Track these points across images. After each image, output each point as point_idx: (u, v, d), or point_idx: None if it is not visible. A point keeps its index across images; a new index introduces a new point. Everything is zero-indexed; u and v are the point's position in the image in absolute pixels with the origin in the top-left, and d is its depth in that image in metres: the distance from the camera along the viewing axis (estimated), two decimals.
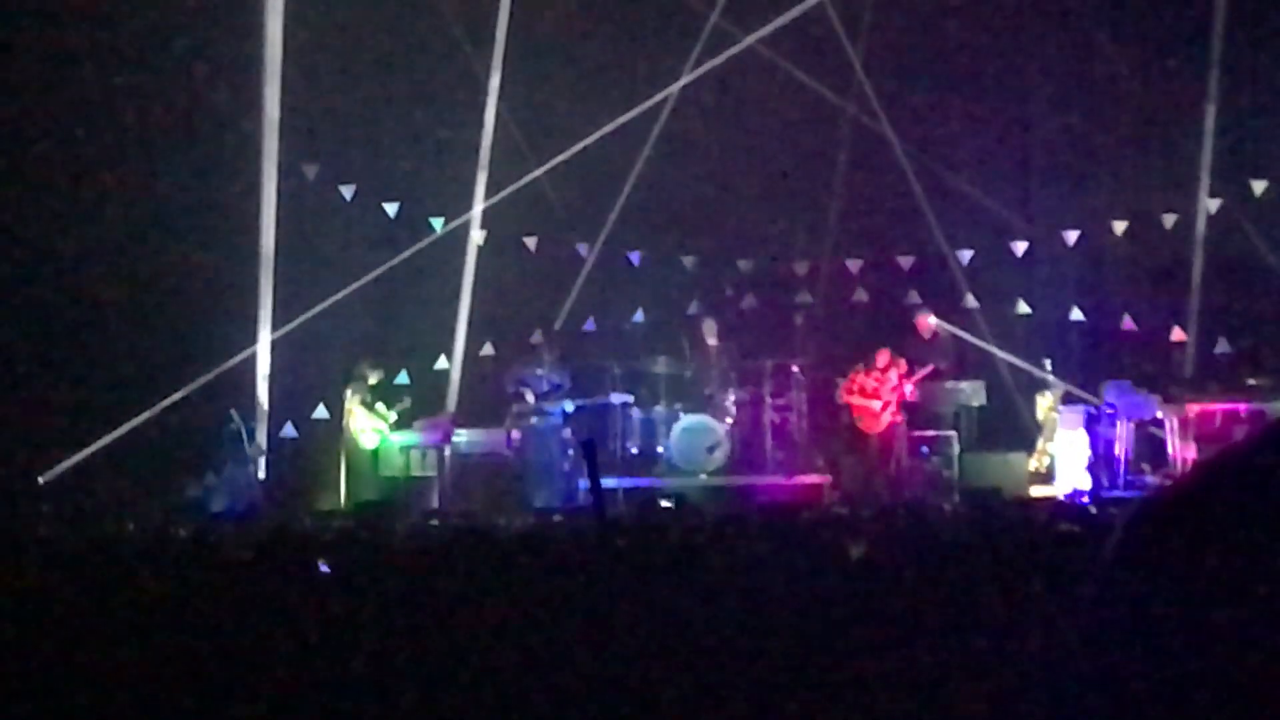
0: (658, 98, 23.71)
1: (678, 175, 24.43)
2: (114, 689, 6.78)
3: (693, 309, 24.06)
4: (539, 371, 21.95)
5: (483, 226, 23.63)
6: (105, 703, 6.75)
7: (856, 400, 21.80)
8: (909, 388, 21.77)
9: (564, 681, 6.60)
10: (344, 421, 21.88)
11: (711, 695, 6.52)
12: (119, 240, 22.07)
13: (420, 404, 22.44)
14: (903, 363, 21.89)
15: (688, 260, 24.59)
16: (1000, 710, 6.07)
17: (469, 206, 23.52)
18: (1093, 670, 2.06)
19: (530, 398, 21.78)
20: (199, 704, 6.74)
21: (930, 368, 22.01)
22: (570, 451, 21.51)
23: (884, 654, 6.61)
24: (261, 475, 21.59)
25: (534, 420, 21.66)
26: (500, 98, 23.65)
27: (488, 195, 23.58)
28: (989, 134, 24.44)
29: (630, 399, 22.26)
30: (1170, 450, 21.03)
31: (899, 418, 21.74)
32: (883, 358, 21.86)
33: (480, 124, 23.63)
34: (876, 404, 21.69)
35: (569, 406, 21.79)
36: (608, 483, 19.72)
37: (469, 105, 23.74)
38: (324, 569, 8.81)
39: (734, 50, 23.63)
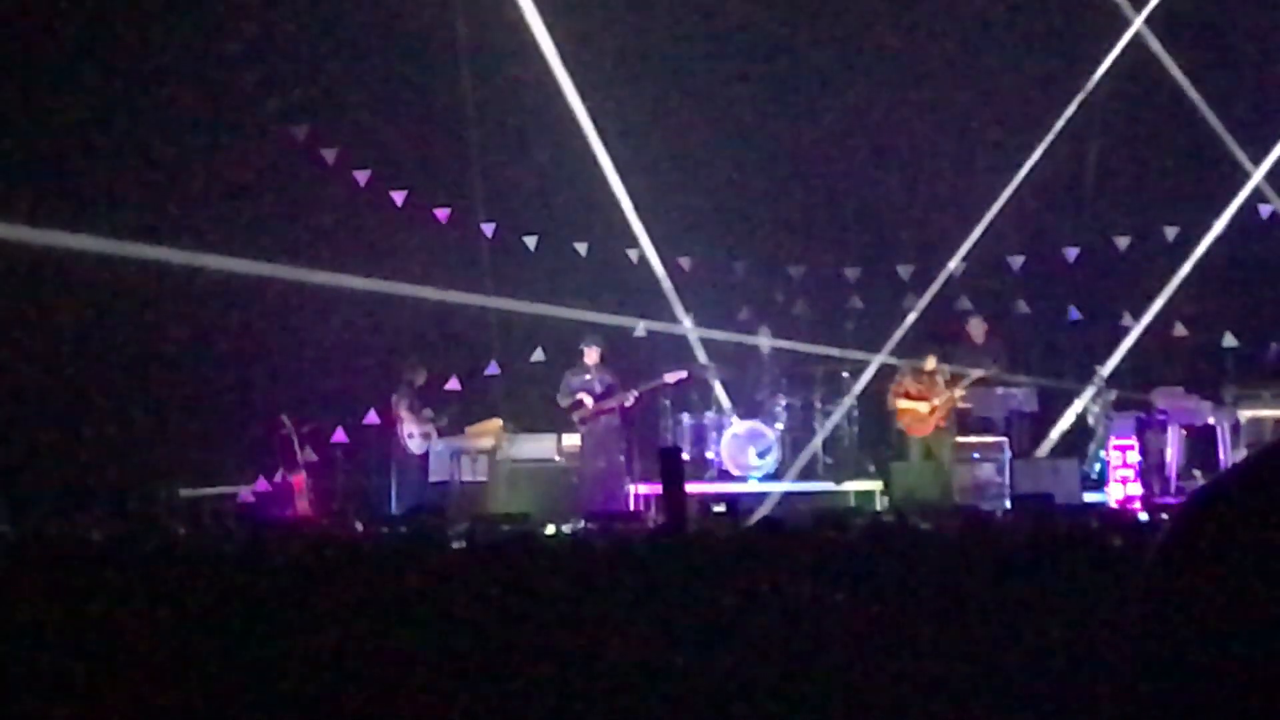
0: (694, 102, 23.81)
1: (728, 181, 24.41)
2: (165, 692, 6.81)
3: (743, 315, 23.98)
4: (586, 377, 21.89)
5: (532, 232, 23.65)
6: (153, 705, 6.78)
7: (904, 403, 21.72)
8: (958, 392, 21.68)
9: (619, 688, 6.61)
10: (393, 427, 21.95)
11: (756, 699, 6.52)
12: (163, 243, 22.11)
13: (469, 409, 22.50)
14: (946, 369, 21.82)
15: (738, 266, 24.55)
16: (1053, 713, 6.05)
17: (519, 212, 23.58)
18: (1143, 675, 2.05)
19: (589, 401, 21.69)
20: (247, 707, 6.77)
21: (979, 373, 21.85)
22: (623, 457, 21.55)
23: (934, 660, 6.60)
24: (313, 480, 21.64)
25: (595, 424, 21.63)
26: (554, 102, 23.73)
27: (540, 200, 23.66)
28: (1039, 140, 24.33)
29: (685, 374, 22.07)
30: (1222, 456, 20.93)
31: (945, 422, 21.65)
32: (931, 361, 21.80)
33: (533, 129, 23.70)
34: (924, 406, 21.59)
35: (629, 400, 21.72)
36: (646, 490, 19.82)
37: (522, 110, 23.79)
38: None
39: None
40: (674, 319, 24.14)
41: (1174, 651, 1.97)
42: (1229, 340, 23.21)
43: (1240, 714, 1.93)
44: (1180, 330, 23.69)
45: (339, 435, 22.32)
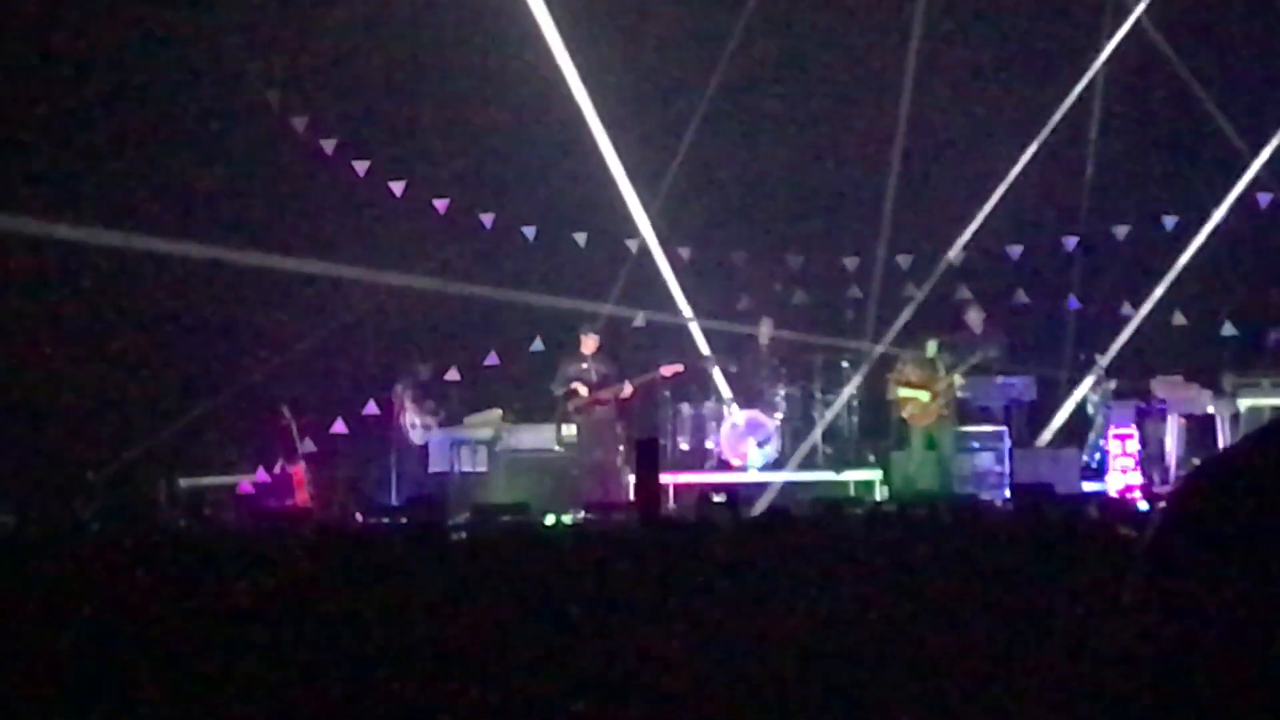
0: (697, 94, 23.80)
1: (726, 171, 24.40)
2: (164, 680, 6.81)
3: (742, 305, 23.97)
4: (583, 366, 21.88)
5: (531, 222, 23.64)
6: (152, 693, 6.79)
7: (905, 392, 21.62)
8: (958, 378, 21.58)
9: (614, 678, 6.61)
10: (395, 417, 21.96)
11: (757, 689, 6.52)
12: (162, 235, 22.10)
13: (469, 399, 22.51)
14: (945, 356, 21.74)
15: (737, 256, 24.53)
16: (1052, 701, 6.06)
17: (519, 201, 23.58)
18: (1141, 664, 2.06)
19: (584, 391, 21.69)
20: (246, 695, 6.77)
21: (979, 356, 21.77)
22: (622, 447, 21.52)
23: (935, 649, 6.60)
24: (313, 471, 21.64)
25: (591, 414, 21.62)
26: (554, 92, 23.73)
27: (539, 191, 23.64)
28: (1038, 129, 24.33)
29: (681, 368, 22.09)
30: (1222, 445, 20.90)
31: (947, 410, 21.59)
32: (931, 347, 21.70)
33: (533, 119, 23.70)
34: (925, 395, 21.49)
35: (627, 390, 21.69)
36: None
37: (522, 100, 23.77)
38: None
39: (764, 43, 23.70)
40: (673, 309, 24.13)
41: (1173, 632, 1.98)
42: (1228, 329, 23.21)
43: (1240, 692, 1.93)
44: (1179, 319, 23.68)
45: (338, 426, 22.33)
